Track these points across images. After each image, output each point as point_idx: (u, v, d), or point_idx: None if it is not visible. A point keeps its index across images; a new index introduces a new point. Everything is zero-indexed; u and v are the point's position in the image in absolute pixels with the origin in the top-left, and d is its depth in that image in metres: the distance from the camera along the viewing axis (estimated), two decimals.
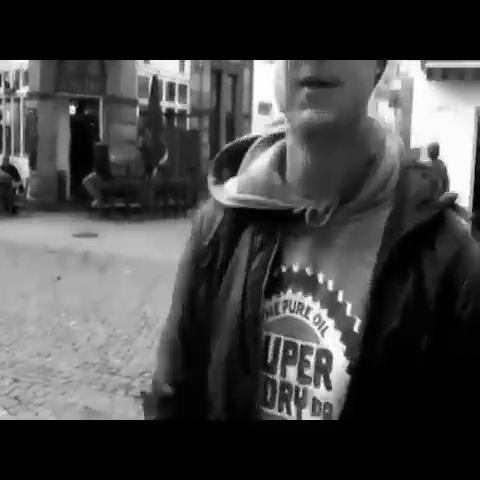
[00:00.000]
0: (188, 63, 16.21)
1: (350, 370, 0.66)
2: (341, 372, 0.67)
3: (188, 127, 16.36)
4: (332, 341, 0.68)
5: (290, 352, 0.70)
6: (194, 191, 14.00)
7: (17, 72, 14.48)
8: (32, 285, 6.49)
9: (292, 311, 0.71)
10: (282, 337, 0.70)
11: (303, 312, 0.70)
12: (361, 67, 0.68)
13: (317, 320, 0.70)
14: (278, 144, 0.79)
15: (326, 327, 0.69)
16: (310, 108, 0.66)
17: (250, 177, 0.76)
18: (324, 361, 0.68)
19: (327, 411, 0.67)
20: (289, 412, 0.70)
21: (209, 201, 0.82)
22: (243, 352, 0.70)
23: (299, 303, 0.71)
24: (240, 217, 0.76)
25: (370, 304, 0.66)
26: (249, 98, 19.06)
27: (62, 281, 6.79)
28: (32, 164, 13.39)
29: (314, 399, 0.68)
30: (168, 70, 15.44)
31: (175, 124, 16.21)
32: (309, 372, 0.69)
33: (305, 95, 0.66)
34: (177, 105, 16.19)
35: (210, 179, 0.82)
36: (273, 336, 0.71)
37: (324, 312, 0.69)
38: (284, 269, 0.72)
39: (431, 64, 7.96)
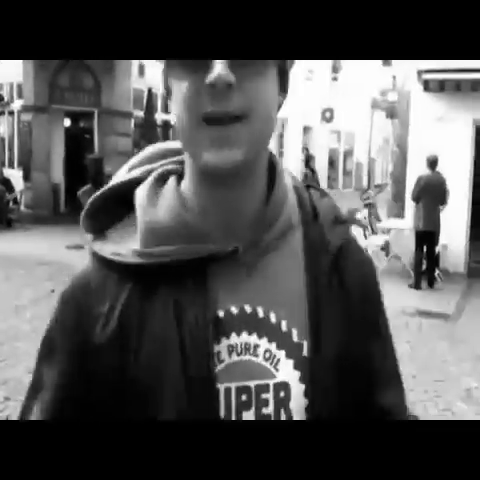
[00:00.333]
0: None
1: (306, 394, 0.67)
2: (299, 399, 0.67)
3: None
4: (287, 371, 0.68)
5: (244, 397, 0.67)
6: None
7: (11, 85, 14.45)
8: (25, 299, 6.37)
9: (239, 354, 0.67)
10: (232, 385, 0.66)
11: (251, 351, 0.68)
12: (266, 97, 0.64)
13: (268, 355, 0.68)
14: (172, 184, 0.71)
15: (278, 360, 0.68)
16: (216, 147, 0.61)
17: (162, 225, 0.67)
18: (282, 394, 0.67)
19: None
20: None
21: (87, 263, 0.71)
22: (195, 415, 0.64)
23: (245, 344, 0.68)
24: (147, 274, 0.66)
25: (310, 325, 0.68)
26: None
27: (56, 294, 6.67)
28: (26, 176, 13.30)
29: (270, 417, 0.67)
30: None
31: (170, 136, 16.17)
32: (268, 410, 0.67)
33: (210, 134, 0.61)
34: (173, 118, 16.13)
35: (88, 235, 0.72)
36: (222, 387, 0.65)
37: (273, 345, 0.68)
38: (221, 313, 0.67)
39: (428, 76, 7.95)
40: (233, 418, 0.66)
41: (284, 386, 0.67)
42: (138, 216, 0.69)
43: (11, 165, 14.50)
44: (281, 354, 0.68)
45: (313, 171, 10.05)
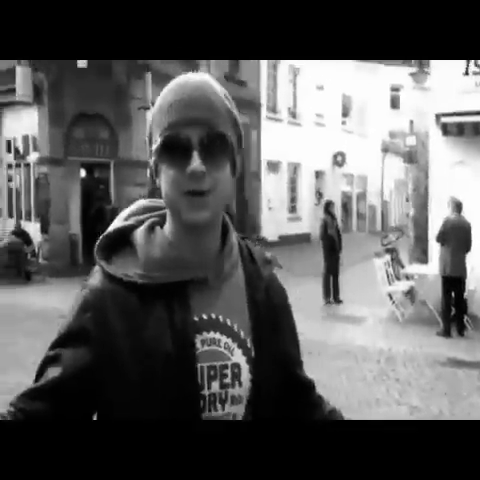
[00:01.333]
0: None
1: (250, 371, 1.05)
2: (246, 374, 1.04)
3: None
4: (238, 356, 1.05)
5: (212, 373, 1.02)
6: None
7: (25, 138, 14.71)
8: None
9: (209, 345, 1.03)
10: (204, 364, 1.01)
11: (216, 343, 1.03)
12: (224, 179, 0.99)
13: (226, 346, 1.04)
14: (159, 231, 1.06)
15: (233, 349, 1.04)
16: (194, 210, 0.97)
17: (157, 258, 1.01)
18: (236, 370, 1.04)
19: (240, 401, 1.04)
20: (216, 410, 1.02)
21: (96, 278, 1.02)
22: (180, 383, 0.98)
23: (212, 338, 1.03)
24: (148, 289, 0.99)
25: (251, 327, 1.07)
26: (257, 157, 19.24)
27: None
28: (44, 228, 13.36)
29: (232, 396, 1.03)
30: None
31: None
32: (227, 380, 1.03)
33: (189, 202, 0.97)
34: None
35: (101, 261, 1.03)
36: (198, 365, 1.00)
37: (229, 340, 1.04)
38: (197, 319, 1.02)
39: (446, 119, 7.93)
40: (205, 386, 1.00)
41: (237, 366, 1.04)
42: (138, 251, 1.03)
43: (28, 217, 14.60)
44: (234, 345, 1.05)
45: (333, 217, 9.95)
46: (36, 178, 14.06)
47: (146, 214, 1.10)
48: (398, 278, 9.30)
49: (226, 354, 1.03)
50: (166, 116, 0.98)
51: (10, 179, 15.89)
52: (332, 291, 9.73)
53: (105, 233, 1.06)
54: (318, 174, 22.91)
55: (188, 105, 0.96)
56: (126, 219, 1.09)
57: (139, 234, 1.04)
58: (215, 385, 1.02)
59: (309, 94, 21.71)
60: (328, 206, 9.94)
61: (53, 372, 0.96)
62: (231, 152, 1.01)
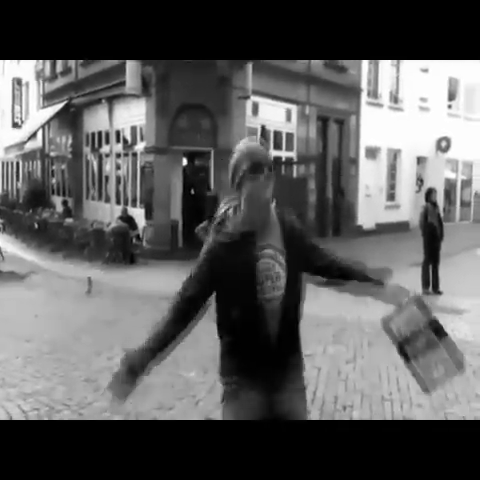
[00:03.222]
0: (295, 112, 16.48)
1: (286, 277, 2.16)
2: (283, 277, 2.16)
3: (295, 174, 16.50)
4: (281, 269, 2.16)
5: (266, 274, 2.15)
6: None
7: (134, 128, 15.51)
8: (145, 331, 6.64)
9: (266, 260, 2.16)
10: (263, 272, 2.14)
11: (270, 265, 2.15)
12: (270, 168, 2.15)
13: (274, 266, 2.16)
14: (238, 210, 2.20)
15: (278, 267, 2.16)
16: (254, 184, 2.10)
17: (237, 224, 2.16)
18: (280, 274, 2.15)
19: (282, 289, 2.15)
20: (270, 292, 2.14)
21: (211, 238, 2.19)
22: (254, 282, 2.14)
23: (267, 262, 2.15)
24: (235, 237, 2.15)
25: (286, 256, 2.17)
26: (356, 143, 18.91)
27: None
28: (148, 214, 14.09)
29: (278, 287, 2.15)
30: (275, 120, 15.79)
31: (282, 172, 16.42)
32: (274, 282, 2.15)
33: (250, 178, 2.10)
34: (284, 153, 16.43)
35: (215, 227, 2.21)
36: (259, 267, 2.15)
37: (276, 264, 2.16)
38: (259, 252, 2.16)
39: None
40: (263, 286, 2.14)
41: (280, 274, 2.16)
42: (229, 222, 2.17)
43: (133, 204, 15.46)
44: (277, 265, 2.15)
45: (434, 204, 9.65)
46: (142, 166, 14.83)
47: (230, 202, 2.21)
48: None
49: (275, 269, 2.16)
50: (246, 160, 2.12)
51: (118, 167, 16.85)
52: (431, 281, 9.48)
53: (218, 214, 2.23)
54: (420, 160, 22.08)
55: (255, 153, 2.13)
56: (225, 203, 2.24)
57: (230, 213, 2.20)
58: (269, 283, 2.15)
59: (413, 78, 20.91)
60: (430, 194, 9.65)
61: (197, 274, 2.19)
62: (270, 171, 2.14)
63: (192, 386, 5.01)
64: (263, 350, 2.16)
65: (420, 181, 21.87)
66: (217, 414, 4.42)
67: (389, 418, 4.34)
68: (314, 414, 4.38)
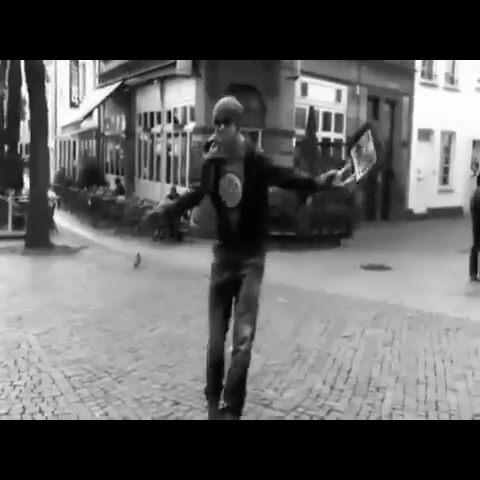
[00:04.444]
0: (345, 93, 16.22)
1: (242, 190, 3.40)
2: (240, 189, 3.39)
3: (343, 156, 16.28)
4: (238, 182, 3.39)
5: (229, 185, 3.42)
6: (349, 221, 13.82)
7: (184, 109, 15.68)
8: (193, 309, 6.85)
9: (228, 179, 3.43)
10: (226, 184, 3.43)
11: (231, 178, 3.41)
12: (236, 118, 3.38)
13: (235, 178, 3.40)
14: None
15: (238, 177, 3.40)
16: (216, 131, 3.38)
17: (215, 151, 3.51)
18: (238, 187, 3.40)
19: (239, 196, 3.41)
20: (230, 198, 3.43)
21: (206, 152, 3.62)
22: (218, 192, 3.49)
23: (230, 177, 3.41)
24: (213, 160, 3.49)
25: (244, 178, 3.39)
26: (408, 125, 18.44)
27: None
28: None
29: (236, 193, 3.41)
30: (325, 100, 15.59)
31: (331, 153, 16.24)
32: (234, 188, 3.40)
33: (215, 126, 3.38)
34: (333, 134, 16.22)
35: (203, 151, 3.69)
36: (222, 184, 3.45)
37: (237, 178, 3.39)
38: (225, 170, 3.44)
39: None
40: (225, 196, 3.44)
41: (237, 185, 3.38)
42: (210, 151, 3.56)
43: (183, 183, 15.69)
44: (237, 179, 3.39)
45: None
46: (191, 146, 15.00)
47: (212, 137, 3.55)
48: None
49: (234, 181, 3.37)
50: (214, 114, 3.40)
51: (169, 147, 17.10)
52: (479, 268, 9.25)
53: (204, 143, 3.65)
54: (475, 143, 21.30)
55: (217, 109, 3.42)
56: (213, 137, 3.52)
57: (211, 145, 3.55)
58: (230, 189, 3.39)
59: None
60: None
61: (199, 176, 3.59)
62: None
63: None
64: (229, 239, 3.53)
65: (475, 165, 21.12)
66: (248, 387, 4.59)
67: (422, 401, 4.34)
68: (346, 393, 4.44)
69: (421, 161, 18.91)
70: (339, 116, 16.28)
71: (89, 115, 21.35)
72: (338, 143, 16.30)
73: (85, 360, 5.02)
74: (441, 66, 19.41)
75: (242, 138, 3.40)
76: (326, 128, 15.92)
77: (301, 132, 14.20)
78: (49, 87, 20.79)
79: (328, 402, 4.25)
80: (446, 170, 20.58)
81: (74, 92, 27.64)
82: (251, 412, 3.99)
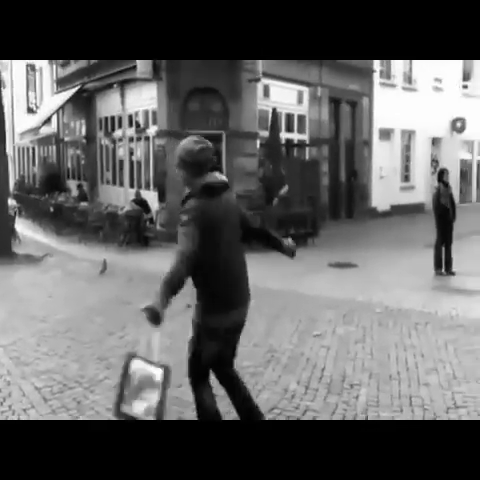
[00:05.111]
0: (306, 94, 16.35)
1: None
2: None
3: (307, 157, 16.43)
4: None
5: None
6: (315, 220, 13.93)
7: (146, 112, 15.53)
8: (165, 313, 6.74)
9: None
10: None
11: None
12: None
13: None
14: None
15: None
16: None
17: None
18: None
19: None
20: None
21: (195, 202, 3.09)
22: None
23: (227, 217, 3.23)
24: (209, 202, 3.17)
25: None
26: (369, 125, 18.73)
27: (191, 309, 6.97)
28: (161, 197, 14.16)
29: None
30: (287, 102, 15.69)
31: (295, 154, 16.35)
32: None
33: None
34: (296, 136, 16.34)
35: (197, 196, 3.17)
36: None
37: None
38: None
39: None
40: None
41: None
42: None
43: (147, 187, 15.54)
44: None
45: (447, 185, 9.58)
46: (154, 150, 14.87)
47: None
48: None
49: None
50: None
51: (131, 152, 16.91)
52: (444, 262, 9.45)
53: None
54: (434, 141, 21.82)
55: None
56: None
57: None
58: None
59: None
60: (442, 174, 9.58)
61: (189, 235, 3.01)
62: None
63: None
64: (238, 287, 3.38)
65: (435, 162, 21.63)
66: (223, 391, 4.52)
67: (396, 396, 4.38)
68: (321, 392, 4.44)
69: (383, 160, 19.24)
70: (302, 117, 16.41)
71: (48, 121, 20.92)
72: (302, 144, 16.43)
73: (55, 370, 4.89)
74: (399, 66, 19.81)
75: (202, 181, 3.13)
76: (289, 129, 16.03)
77: (265, 134, 14.25)
78: (5, 93, 20.27)
79: (304, 402, 4.25)
80: (407, 168, 20.99)
81: (31, 98, 27.09)
82: (228, 415, 3.94)
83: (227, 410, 3.68)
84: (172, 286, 2.86)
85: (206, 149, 3.14)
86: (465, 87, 23.33)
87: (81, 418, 3.94)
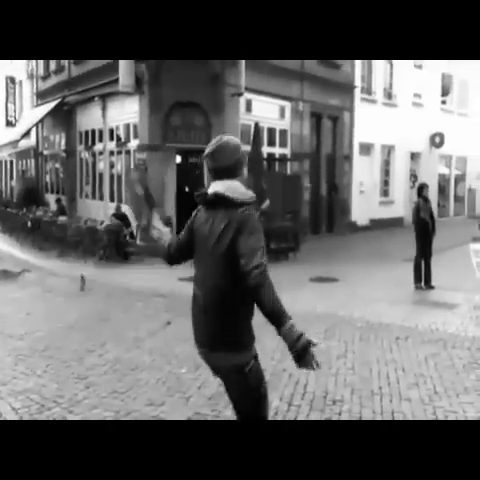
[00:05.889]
0: (288, 109, 16.48)
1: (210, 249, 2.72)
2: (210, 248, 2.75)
3: (289, 171, 16.51)
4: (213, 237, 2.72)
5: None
6: (296, 234, 13.96)
7: (127, 126, 15.49)
8: (144, 330, 6.68)
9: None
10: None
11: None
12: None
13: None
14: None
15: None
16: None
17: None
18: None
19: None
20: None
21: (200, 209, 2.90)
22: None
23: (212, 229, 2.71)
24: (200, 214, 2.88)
25: (217, 238, 2.65)
26: (349, 140, 18.93)
27: (172, 326, 6.93)
28: None
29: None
30: (269, 117, 15.79)
31: (276, 169, 16.42)
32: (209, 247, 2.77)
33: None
34: (278, 150, 16.43)
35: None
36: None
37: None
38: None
39: None
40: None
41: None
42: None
43: (127, 201, 15.42)
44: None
45: (426, 200, 9.69)
46: (135, 164, 14.80)
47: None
48: None
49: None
50: None
51: (112, 165, 16.82)
52: (423, 276, 9.52)
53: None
54: (413, 156, 22.13)
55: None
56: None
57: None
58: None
59: (406, 74, 20.94)
60: (422, 189, 9.69)
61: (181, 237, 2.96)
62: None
63: (183, 382, 5.03)
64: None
65: (414, 177, 21.91)
66: (207, 410, 4.45)
67: (378, 412, 4.37)
68: (304, 409, 4.41)
69: (363, 174, 19.43)
70: (283, 132, 16.52)
71: (27, 134, 20.75)
72: (283, 158, 16.52)
73: (32, 390, 4.77)
74: (379, 82, 20.11)
75: None
76: (271, 143, 16.11)
77: (247, 148, 14.28)
78: None
79: (287, 419, 4.21)
80: (386, 182, 21.22)
81: (10, 110, 26.84)
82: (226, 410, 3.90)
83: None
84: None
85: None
86: (444, 102, 23.77)
87: None
